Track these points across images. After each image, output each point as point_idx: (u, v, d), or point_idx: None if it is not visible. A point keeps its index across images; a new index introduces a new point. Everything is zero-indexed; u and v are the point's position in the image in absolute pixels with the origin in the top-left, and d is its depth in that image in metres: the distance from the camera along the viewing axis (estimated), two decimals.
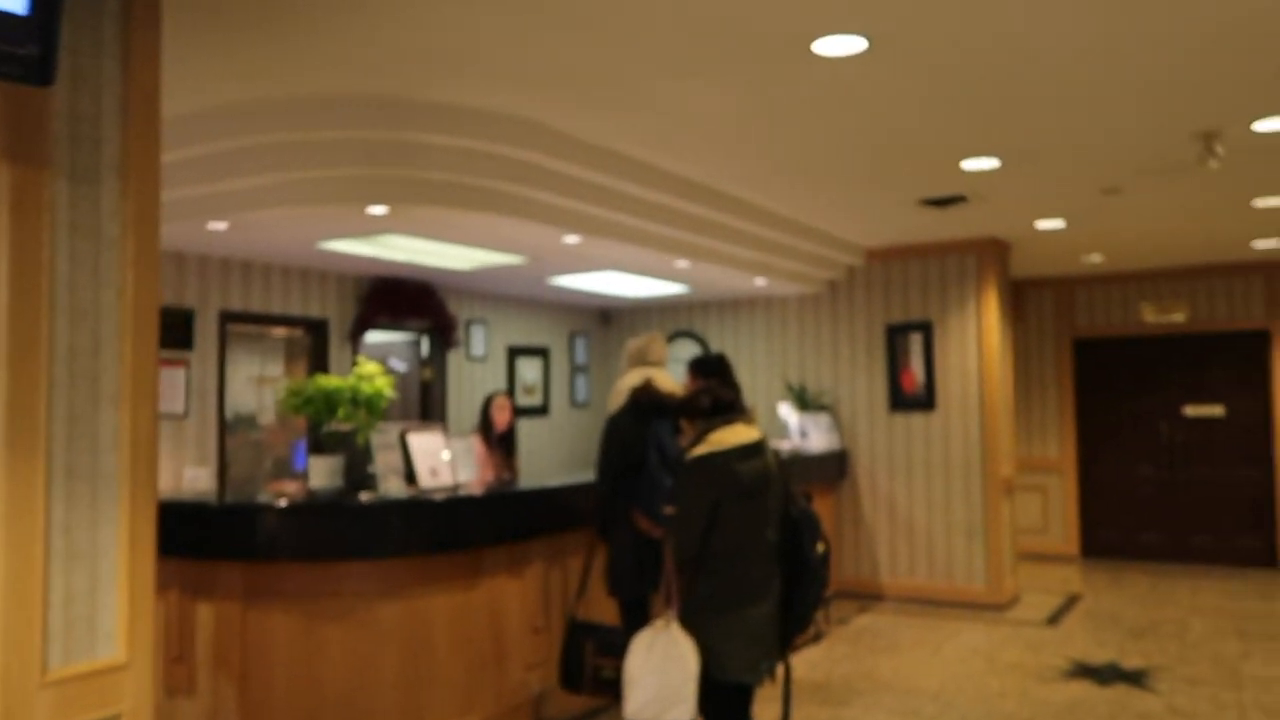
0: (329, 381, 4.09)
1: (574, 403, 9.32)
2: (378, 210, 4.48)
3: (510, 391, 8.46)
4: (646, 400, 4.30)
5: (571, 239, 5.42)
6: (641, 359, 4.84)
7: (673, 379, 4.73)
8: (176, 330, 5.49)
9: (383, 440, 4.03)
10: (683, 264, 6.64)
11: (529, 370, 8.69)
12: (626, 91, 3.94)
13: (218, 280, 5.85)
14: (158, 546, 2.43)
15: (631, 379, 4.62)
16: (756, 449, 3.38)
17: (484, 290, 8.02)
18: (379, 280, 6.95)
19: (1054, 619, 7.05)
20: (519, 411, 8.56)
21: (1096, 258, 8.48)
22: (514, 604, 4.52)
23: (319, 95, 3.97)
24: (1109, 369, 9.49)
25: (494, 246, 5.77)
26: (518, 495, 4.60)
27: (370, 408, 4.06)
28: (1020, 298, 9.61)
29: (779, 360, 8.46)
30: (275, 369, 7.08)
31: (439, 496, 4.16)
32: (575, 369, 9.37)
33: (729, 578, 3.28)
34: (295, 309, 6.38)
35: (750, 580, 3.30)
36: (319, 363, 6.60)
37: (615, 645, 4.14)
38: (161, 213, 2.44)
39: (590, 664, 4.10)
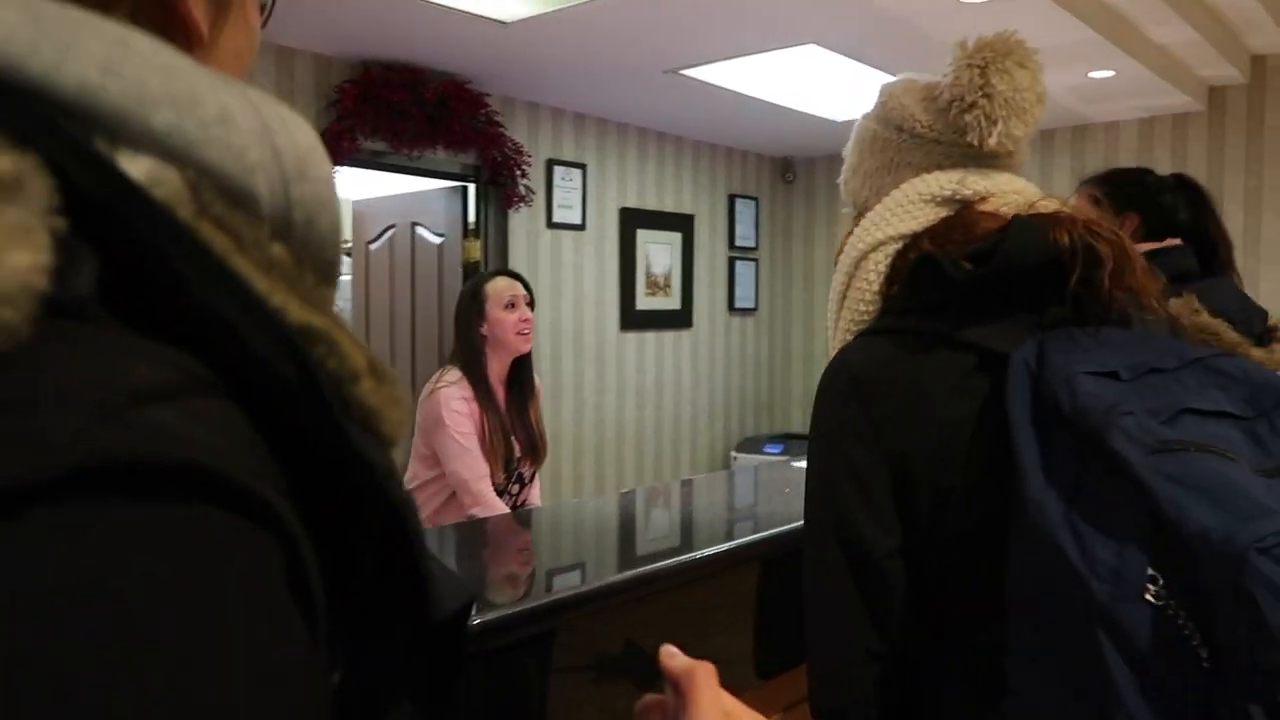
0: None
1: (733, 308, 5.93)
2: None
3: (629, 283, 5.13)
4: (1037, 246, 0.95)
5: None
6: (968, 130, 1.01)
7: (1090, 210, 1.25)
8: None
9: None
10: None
11: (658, 253, 5.34)
12: None
13: None
14: None
15: (912, 195, 1.06)
16: None
17: (576, 107, 4.68)
18: (366, 66, 3.70)
19: None
20: (638, 320, 5.24)
21: None
22: None
23: None
24: None
25: None
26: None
27: None
28: None
29: None
30: None
31: None
32: (736, 254, 5.94)
33: None
34: None
35: None
36: None
37: None
38: None
39: None
